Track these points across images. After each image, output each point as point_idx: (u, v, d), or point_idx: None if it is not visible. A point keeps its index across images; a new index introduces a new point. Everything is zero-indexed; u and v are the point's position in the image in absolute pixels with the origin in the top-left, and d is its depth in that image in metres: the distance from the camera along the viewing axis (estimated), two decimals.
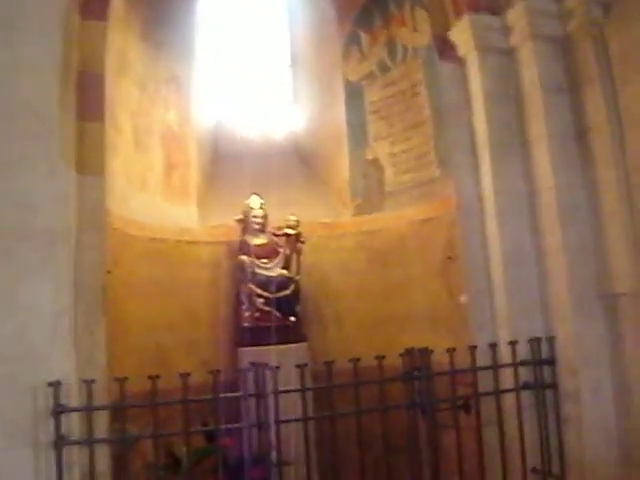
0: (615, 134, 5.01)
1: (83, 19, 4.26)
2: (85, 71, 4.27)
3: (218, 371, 3.77)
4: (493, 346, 4.61)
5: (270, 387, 3.83)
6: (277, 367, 3.86)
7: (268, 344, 5.50)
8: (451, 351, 4.39)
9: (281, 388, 3.92)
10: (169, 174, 5.95)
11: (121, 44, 5.20)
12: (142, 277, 5.38)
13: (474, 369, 4.49)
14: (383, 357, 4.20)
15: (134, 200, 5.41)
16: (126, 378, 3.59)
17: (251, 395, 3.91)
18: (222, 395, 3.79)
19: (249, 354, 5.53)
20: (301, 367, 3.92)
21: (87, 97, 4.23)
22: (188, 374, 3.69)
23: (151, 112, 5.79)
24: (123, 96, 5.30)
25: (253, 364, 3.88)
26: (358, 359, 4.10)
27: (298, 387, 4.02)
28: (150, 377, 3.61)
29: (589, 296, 4.96)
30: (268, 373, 3.82)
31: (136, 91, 5.57)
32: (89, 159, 4.20)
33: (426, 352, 4.35)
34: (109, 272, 4.29)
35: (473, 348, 4.50)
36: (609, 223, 4.98)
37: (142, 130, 5.63)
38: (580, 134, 5.22)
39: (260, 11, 7.47)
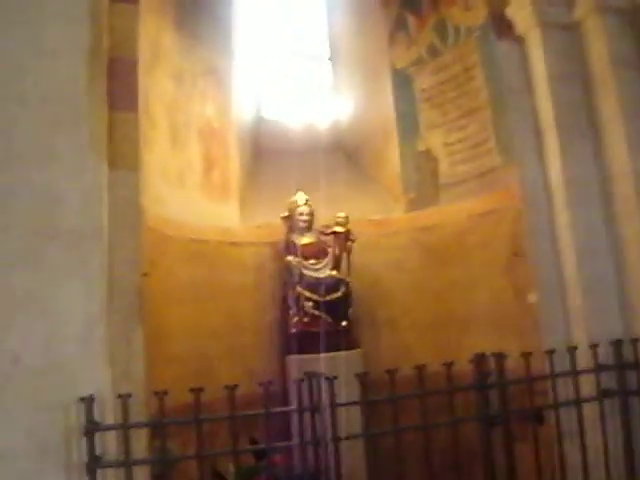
0: None
1: (113, 1, 3.93)
2: (116, 57, 3.90)
3: (269, 383, 3.36)
4: (572, 349, 4.16)
5: (327, 400, 3.40)
6: (335, 377, 3.43)
7: (319, 351, 5.11)
8: (527, 356, 3.95)
9: (337, 400, 3.50)
10: (208, 171, 5.61)
11: (154, 32, 4.89)
12: (181, 280, 5.03)
13: (552, 375, 4.05)
14: (451, 364, 3.75)
15: (171, 198, 5.08)
16: (166, 392, 3.22)
17: (306, 409, 3.48)
18: (274, 410, 3.37)
19: (299, 362, 5.16)
20: (360, 376, 3.50)
21: (119, 85, 3.86)
22: (235, 386, 3.29)
23: (188, 106, 5.46)
24: (157, 88, 4.97)
25: (308, 374, 3.45)
26: (424, 366, 3.66)
27: (354, 399, 3.61)
28: (192, 390, 3.23)
29: None
30: (325, 384, 3.39)
31: (171, 83, 5.25)
32: (122, 152, 3.84)
33: (501, 357, 3.89)
34: (145, 275, 3.93)
35: (551, 353, 4.06)
36: None
37: (179, 124, 5.31)
38: None
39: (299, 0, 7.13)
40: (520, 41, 5.22)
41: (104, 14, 3.78)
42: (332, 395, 3.41)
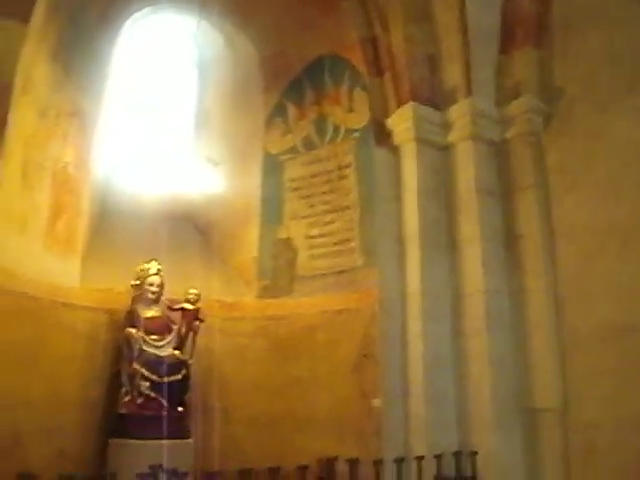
0: (546, 244, 4.96)
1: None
2: None
3: None
4: (419, 459, 4.22)
5: None
6: (186, 473, 3.01)
7: (149, 437, 4.58)
8: (378, 464, 3.83)
9: None
10: (55, 220, 4.97)
11: (30, 57, 4.34)
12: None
13: None
14: (305, 467, 3.49)
15: (8, 243, 4.42)
16: None
17: None
18: None
19: (125, 448, 4.57)
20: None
21: None
22: None
23: (47, 145, 4.88)
24: (19, 118, 4.39)
25: (154, 468, 2.96)
26: (278, 468, 3.35)
27: None
28: None
29: (510, 409, 4.73)
30: None
31: (35, 116, 4.67)
32: None
33: (355, 463, 3.69)
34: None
35: (400, 462, 4.00)
36: (534, 334, 4.87)
37: (33, 163, 4.69)
38: (510, 240, 5.12)
39: (180, 66, 6.92)
40: (396, 151, 5.44)
41: None
42: None
